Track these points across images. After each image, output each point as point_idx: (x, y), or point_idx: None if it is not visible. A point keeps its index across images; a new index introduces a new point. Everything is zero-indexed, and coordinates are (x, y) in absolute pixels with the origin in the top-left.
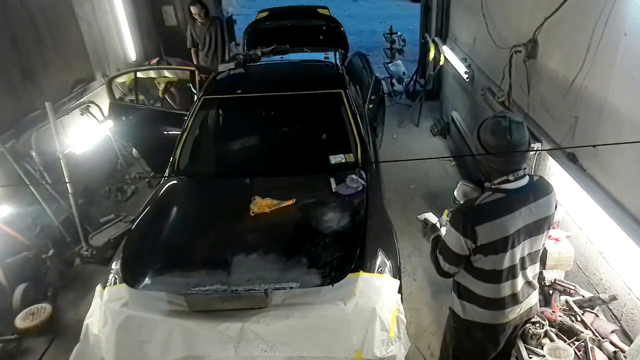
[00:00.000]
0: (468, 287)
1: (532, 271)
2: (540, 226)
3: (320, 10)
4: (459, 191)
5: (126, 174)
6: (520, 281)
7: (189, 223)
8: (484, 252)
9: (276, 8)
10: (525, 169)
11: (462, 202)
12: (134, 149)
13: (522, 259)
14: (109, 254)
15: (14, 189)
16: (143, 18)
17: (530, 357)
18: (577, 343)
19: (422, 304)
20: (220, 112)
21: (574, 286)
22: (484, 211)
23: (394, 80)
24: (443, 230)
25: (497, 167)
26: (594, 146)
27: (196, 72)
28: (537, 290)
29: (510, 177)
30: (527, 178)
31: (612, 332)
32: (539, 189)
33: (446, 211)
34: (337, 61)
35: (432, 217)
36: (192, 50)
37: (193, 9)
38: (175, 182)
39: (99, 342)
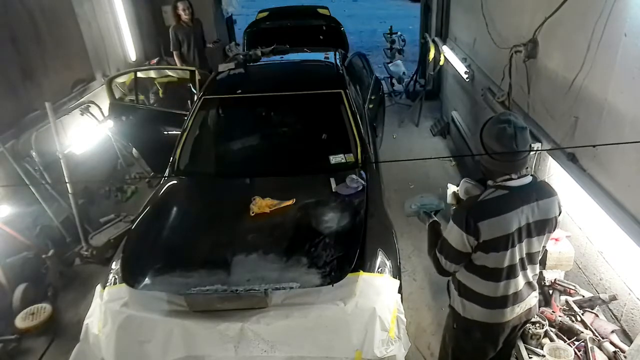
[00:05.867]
0: (468, 284)
1: (532, 271)
2: (541, 227)
3: (320, 10)
4: (462, 188)
5: (126, 174)
6: (520, 281)
7: (189, 223)
8: (486, 250)
9: (276, 8)
10: (527, 168)
11: (464, 199)
12: (134, 149)
13: (522, 259)
14: (109, 254)
15: (14, 189)
16: (143, 18)
17: (530, 357)
18: (577, 343)
19: (422, 304)
20: (220, 112)
21: (574, 286)
22: (487, 207)
23: (394, 80)
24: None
25: (500, 169)
26: (594, 146)
27: (196, 72)
28: (537, 291)
29: (514, 176)
30: (530, 177)
31: (612, 332)
32: (542, 190)
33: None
34: (337, 61)
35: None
36: (175, 54)
37: (180, 5)
38: (175, 182)
39: (99, 342)
